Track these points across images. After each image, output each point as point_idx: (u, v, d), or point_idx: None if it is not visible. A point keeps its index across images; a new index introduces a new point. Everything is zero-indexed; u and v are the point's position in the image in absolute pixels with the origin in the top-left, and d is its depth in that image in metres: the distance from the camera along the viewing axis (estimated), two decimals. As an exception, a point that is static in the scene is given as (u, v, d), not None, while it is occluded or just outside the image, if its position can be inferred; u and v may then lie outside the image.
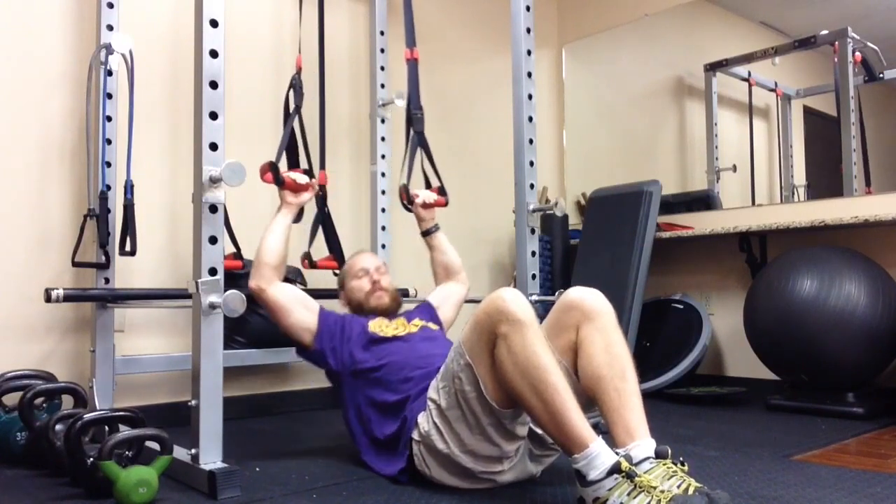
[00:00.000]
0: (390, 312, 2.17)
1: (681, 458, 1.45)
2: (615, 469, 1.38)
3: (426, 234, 2.39)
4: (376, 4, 3.31)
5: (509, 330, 1.53)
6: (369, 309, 2.16)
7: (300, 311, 2.03)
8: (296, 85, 2.64)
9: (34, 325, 2.42)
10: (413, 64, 2.65)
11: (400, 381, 1.86)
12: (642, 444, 1.47)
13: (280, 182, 2.07)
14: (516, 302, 1.56)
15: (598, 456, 1.41)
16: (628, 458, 1.43)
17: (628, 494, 1.35)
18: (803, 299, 2.69)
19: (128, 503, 1.58)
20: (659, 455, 1.45)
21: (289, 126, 2.51)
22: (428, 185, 2.51)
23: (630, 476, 1.37)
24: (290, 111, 2.60)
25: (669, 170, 3.85)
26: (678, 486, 1.36)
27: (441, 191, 2.46)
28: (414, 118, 2.56)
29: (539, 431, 1.69)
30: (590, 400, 1.63)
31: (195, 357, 1.73)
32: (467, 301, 2.41)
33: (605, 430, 1.57)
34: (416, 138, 2.54)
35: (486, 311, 1.59)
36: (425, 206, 2.38)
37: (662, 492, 1.34)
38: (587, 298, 1.70)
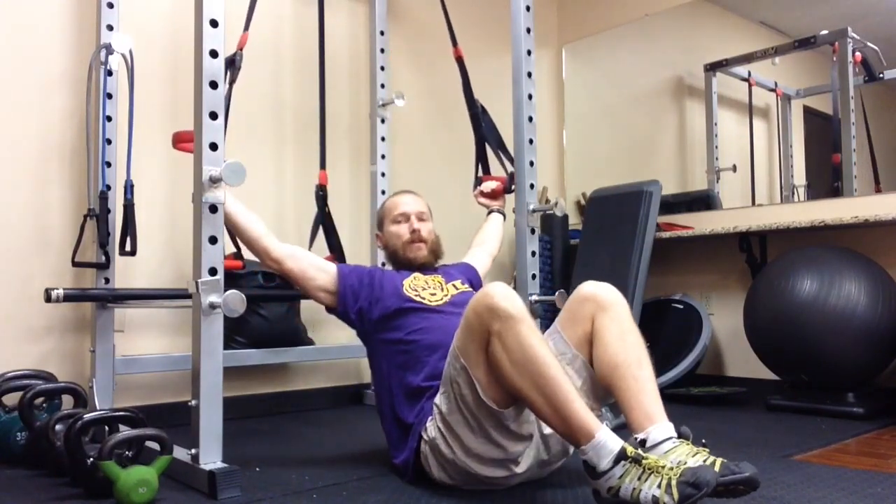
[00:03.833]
0: (428, 266, 2.08)
1: (703, 440, 1.47)
2: (622, 456, 1.38)
3: (489, 212, 2.52)
4: (376, 4, 3.31)
5: (502, 327, 1.50)
6: (405, 259, 2.07)
7: (316, 273, 1.96)
8: (235, 61, 2.50)
9: (34, 325, 2.42)
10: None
11: (428, 362, 1.79)
12: (661, 426, 1.50)
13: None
14: (506, 298, 1.52)
15: (604, 444, 1.41)
16: (644, 442, 1.45)
17: (639, 479, 1.36)
18: (803, 299, 2.68)
19: (128, 503, 1.58)
20: (682, 436, 1.47)
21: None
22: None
23: (637, 460, 1.37)
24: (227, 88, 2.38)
25: (669, 170, 3.85)
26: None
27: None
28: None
29: (547, 432, 1.67)
30: (605, 391, 1.65)
31: (195, 357, 1.74)
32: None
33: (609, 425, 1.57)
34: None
35: (476, 311, 1.55)
36: (483, 195, 2.54)
37: (671, 469, 1.35)
38: (600, 291, 1.73)
